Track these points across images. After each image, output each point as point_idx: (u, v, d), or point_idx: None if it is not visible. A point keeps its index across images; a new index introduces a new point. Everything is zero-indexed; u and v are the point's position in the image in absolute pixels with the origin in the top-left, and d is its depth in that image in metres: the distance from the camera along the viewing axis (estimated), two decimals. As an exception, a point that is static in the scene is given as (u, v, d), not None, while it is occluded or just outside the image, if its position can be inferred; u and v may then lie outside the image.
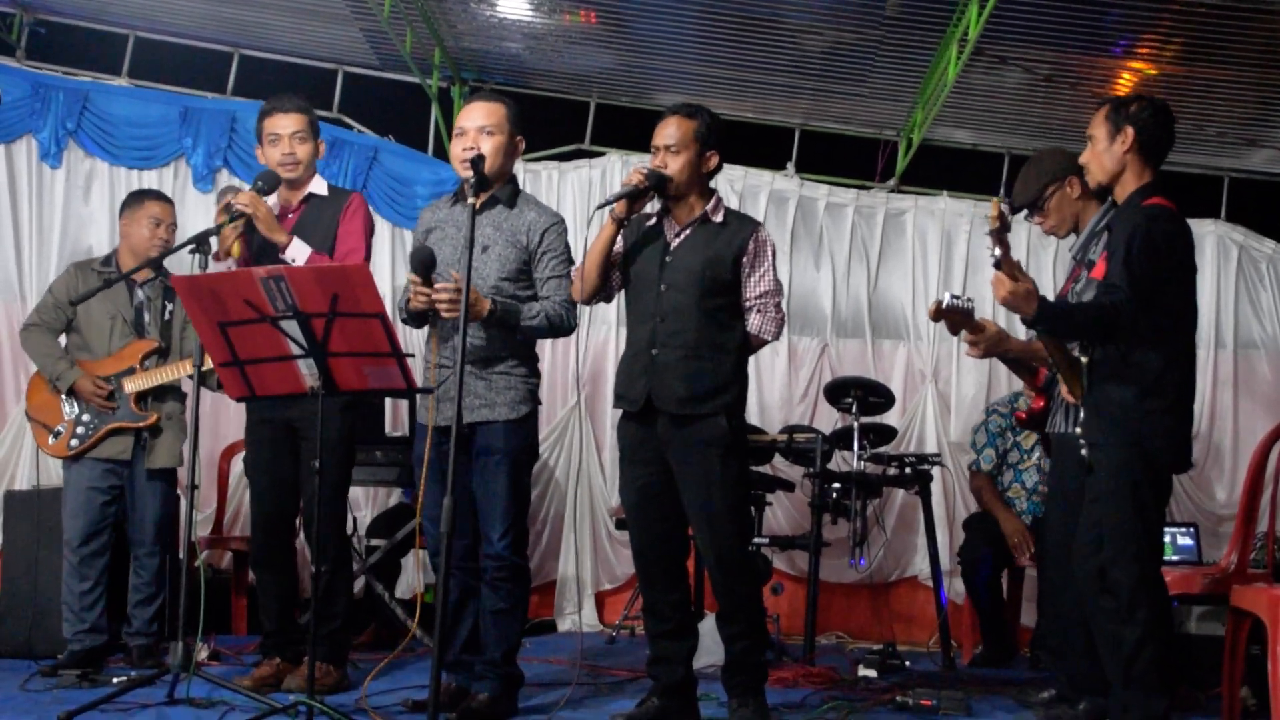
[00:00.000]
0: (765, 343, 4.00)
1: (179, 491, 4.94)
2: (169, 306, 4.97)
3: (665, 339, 3.85)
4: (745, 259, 3.89)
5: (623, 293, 4.09)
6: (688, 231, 3.93)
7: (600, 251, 3.93)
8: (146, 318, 4.95)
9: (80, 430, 4.83)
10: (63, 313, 4.91)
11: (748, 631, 3.90)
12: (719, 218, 3.93)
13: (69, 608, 4.78)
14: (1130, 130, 3.68)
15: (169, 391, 4.90)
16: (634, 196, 3.85)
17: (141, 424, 4.83)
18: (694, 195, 3.94)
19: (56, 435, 4.86)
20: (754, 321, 3.92)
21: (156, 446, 4.86)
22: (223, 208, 4.26)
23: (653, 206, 4.04)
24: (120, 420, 4.82)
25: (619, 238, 3.95)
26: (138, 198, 5.09)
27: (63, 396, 4.85)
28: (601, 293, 4.04)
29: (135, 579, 4.92)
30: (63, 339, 4.96)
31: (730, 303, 3.90)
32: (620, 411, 4.03)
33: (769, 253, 3.93)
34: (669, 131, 3.88)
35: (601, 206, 3.89)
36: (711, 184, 4.01)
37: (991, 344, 3.78)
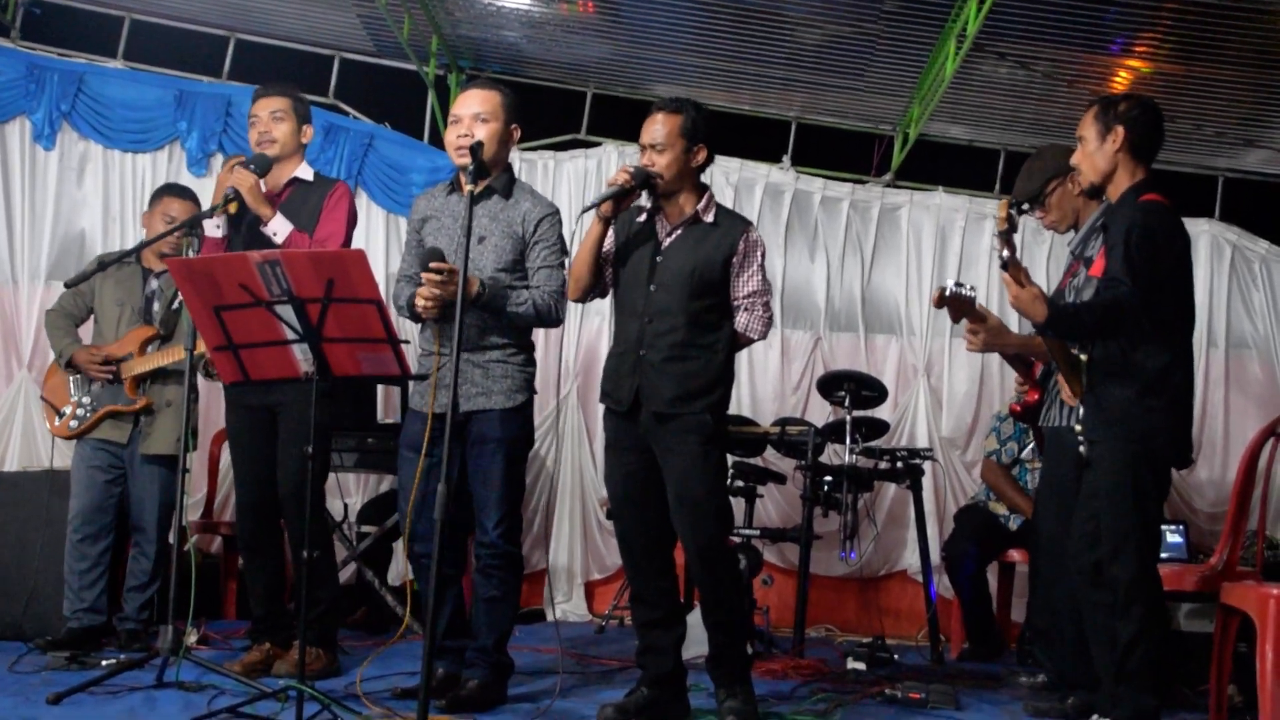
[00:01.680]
0: (752, 341, 3.98)
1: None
2: (179, 296, 4.97)
3: (653, 339, 3.84)
4: (735, 259, 3.86)
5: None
6: (679, 231, 3.90)
7: (589, 251, 3.92)
8: (155, 307, 5.01)
9: (80, 412, 4.93)
10: (82, 300, 5.05)
11: (730, 622, 3.89)
12: (710, 217, 3.90)
13: (69, 586, 4.83)
14: (1120, 129, 3.69)
15: (171, 377, 4.90)
16: (620, 197, 3.82)
17: (132, 408, 4.88)
18: (685, 191, 3.90)
19: (61, 416, 4.97)
20: (741, 320, 3.89)
21: (153, 432, 4.88)
22: (229, 168, 4.31)
23: (647, 199, 4.01)
24: (114, 403, 4.89)
25: (610, 234, 3.94)
26: (158, 194, 5.18)
27: (70, 380, 4.97)
28: (595, 290, 4.03)
29: (134, 564, 4.95)
30: (90, 328, 5.08)
31: (719, 302, 3.87)
32: (607, 403, 4.02)
33: (758, 253, 3.90)
34: (654, 129, 3.84)
35: (588, 209, 3.85)
36: (704, 177, 3.98)
37: (992, 335, 3.77)
